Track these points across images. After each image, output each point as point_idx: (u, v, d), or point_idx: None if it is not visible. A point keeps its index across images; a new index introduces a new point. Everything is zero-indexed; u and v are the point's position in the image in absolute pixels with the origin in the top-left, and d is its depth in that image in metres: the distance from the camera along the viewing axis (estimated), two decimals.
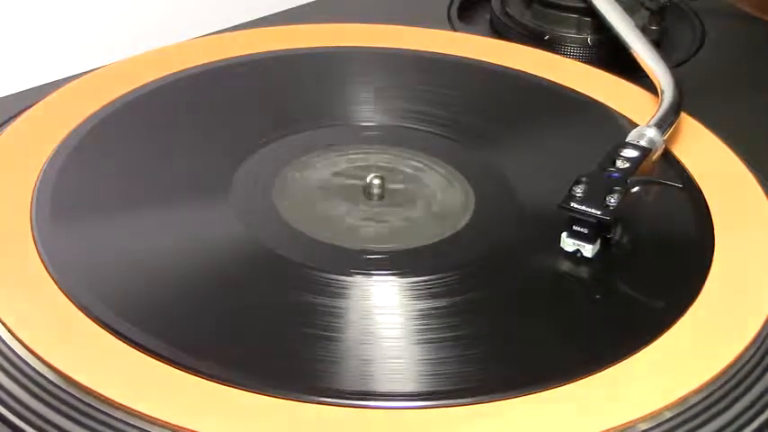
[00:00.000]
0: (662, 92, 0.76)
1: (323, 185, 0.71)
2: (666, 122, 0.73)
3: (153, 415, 0.54)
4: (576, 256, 0.65)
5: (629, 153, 0.69)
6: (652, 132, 0.71)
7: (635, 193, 0.67)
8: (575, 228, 0.65)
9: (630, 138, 0.70)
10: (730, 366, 0.59)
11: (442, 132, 0.76)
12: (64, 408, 0.55)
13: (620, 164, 0.68)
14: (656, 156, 0.71)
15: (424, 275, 0.64)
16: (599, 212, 0.64)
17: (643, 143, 0.70)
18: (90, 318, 0.59)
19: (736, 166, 0.73)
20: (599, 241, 0.65)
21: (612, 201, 0.64)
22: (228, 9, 0.96)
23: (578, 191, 0.65)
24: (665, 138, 0.72)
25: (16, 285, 0.61)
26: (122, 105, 0.75)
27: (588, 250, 0.65)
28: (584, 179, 0.66)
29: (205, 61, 0.80)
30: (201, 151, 0.73)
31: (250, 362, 0.58)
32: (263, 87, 0.79)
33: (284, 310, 0.61)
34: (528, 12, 0.90)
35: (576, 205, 0.64)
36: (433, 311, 0.61)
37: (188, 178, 0.70)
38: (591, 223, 0.64)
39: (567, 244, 0.65)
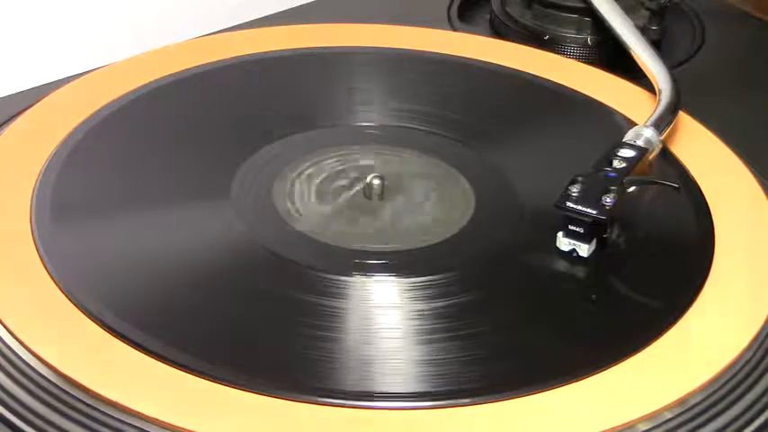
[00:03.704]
0: (659, 91, 0.76)
1: (323, 185, 0.71)
2: (664, 122, 0.73)
3: (153, 415, 0.54)
4: (579, 257, 0.65)
5: (626, 153, 0.69)
6: (649, 132, 0.71)
7: (633, 192, 0.67)
8: (570, 227, 0.65)
9: (627, 138, 0.70)
10: (730, 366, 0.59)
11: (441, 132, 0.76)
12: (64, 408, 0.55)
13: (616, 164, 0.68)
14: (653, 155, 0.71)
15: (424, 275, 0.64)
16: (595, 212, 0.64)
17: (640, 143, 0.70)
18: (90, 318, 0.59)
19: (735, 166, 0.73)
20: (595, 241, 0.65)
21: (608, 200, 0.64)
22: (229, 9, 0.96)
23: (574, 190, 0.65)
24: (662, 137, 0.72)
25: (16, 285, 0.61)
26: (122, 105, 0.75)
27: (584, 250, 0.65)
28: (580, 179, 0.66)
29: (205, 61, 0.80)
30: (201, 151, 0.73)
31: (250, 362, 0.58)
32: (264, 87, 0.79)
33: (284, 310, 0.61)
34: (528, 12, 0.90)
35: (571, 205, 0.64)
36: (433, 311, 0.61)
37: (188, 178, 0.70)
38: (587, 223, 0.64)
39: (563, 243, 0.65)
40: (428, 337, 0.60)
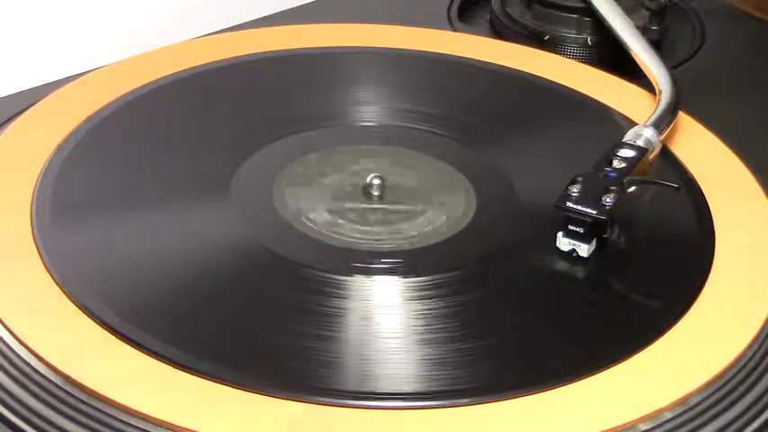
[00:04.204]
0: (659, 92, 0.76)
1: (323, 185, 0.71)
2: (664, 122, 0.73)
3: (153, 415, 0.54)
4: (579, 257, 0.65)
5: (626, 153, 0.69)
6: (649, 132, 0.71)
7: (634, 193, 0.67)
8: (570, 227, 0.65)
9: (627, 138, 0.70)
10: (730, 366, 0.59)
11: (442, 132, 0.76)
12: (64, 408, 0.55)
13: (616, 164, 0.68)
14: (652, 155, 0.71)
15: (425, 275, 0.64)
16: (594, 212, 0.64)
17: (640, 143, 0.70)
18: (90, 317, 0.59)
19: (735, 166, 0.73)
20: (594, 241, 0.65)
21: (608, 200, 0.64)
22: (229, 9, 0.96)
23: (574, 190, 0.65)
24: (661, 138, 0.72)
25: (16, 285, 0.61)
26: (122, 105, 0.75)
27: (584, 250, 0.65)
28: (580, 179, 0.66)
29: (205, 61, 0.80)
30: (201, 151, 0.73)
31: (250, 362, 0.58)
32: (264, 87, 0.79)
33: (284, 310, 0.61)
34: (528, 12, 0.90)
35: (571, 205, 0.64)
36: (433, 311, 0.61)
37: (188, 178, 0.70)
38: (586, 223, 0.64)
39: (563, 243, 0.65)
40: (428, 337, 0.60)
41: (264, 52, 0.82)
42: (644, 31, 0.85)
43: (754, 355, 0.60)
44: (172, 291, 0.62)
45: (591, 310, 0.63)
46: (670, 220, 0.69)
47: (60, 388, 0.56)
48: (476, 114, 0.78)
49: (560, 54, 0.86)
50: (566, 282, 0.65)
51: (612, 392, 0.57)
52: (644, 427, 0.56)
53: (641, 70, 0.80)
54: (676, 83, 0.77)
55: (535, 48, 0.85)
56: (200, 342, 0.59)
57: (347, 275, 0.63)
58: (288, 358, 0.58)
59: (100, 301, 0.60)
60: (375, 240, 0.67)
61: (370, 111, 0.78)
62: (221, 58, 0.81)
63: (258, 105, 0.77)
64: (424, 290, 0.63)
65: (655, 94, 0.77)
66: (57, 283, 0.61)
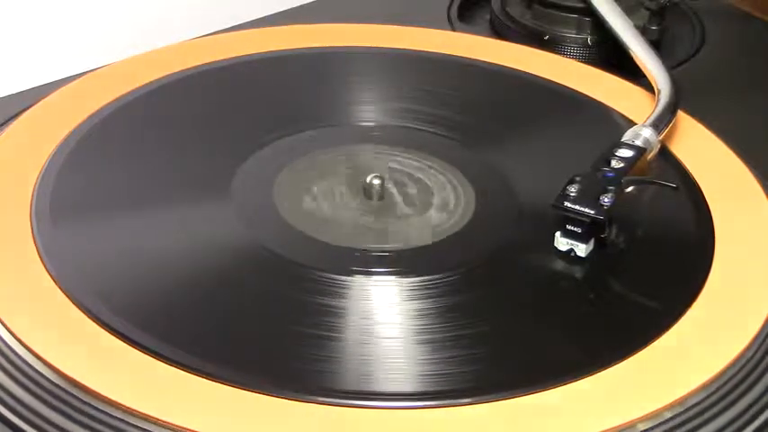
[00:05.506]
0: (658, 92, 0.76)
1: (323, 185, 0.71)
2: (663, 122, 0.73)
3: (153, 415, 0.54)
4: (577, 257, 0.65)
5: (625, 153, 0.69)
6: (647, 132, 0.71)
7: (632, 192, 0.67)
8: (568, 227, 0.65)
9: (626, 137, 0.70)
10: (730, 366, 0.59)
11: (442, 132, 0.76)
12: (64, 408, 0.55)
13: (614, 163, 0.68)
14: (651, 155, 0.71)
15: (424, 275, 0.64)
16: (593, 212, 0.64)
17: (638, 143, 0.70)
18: (90, 318, 0.59)
19: (735, 166, 0.73)
20: (592, 241, 0.65)
21: (606, 200, 0.64)
22: (229, 9, 0.96)
23: (572, 190, 0.65)
24: (660, 137, 0.72)
25: (16, 285, 0.61)
26: (122, 105, 0.75)
27: (582, 250, 0.65)
28: (578, 178, 0.66)
29: (205, 61, 0.80)
30: (201, 151, 0.73)
31: (250, 362, 0.58)
32: (264, 87, 0.79)
33: (284, 310, 0.61)
34: (528, 12, 0.90)
35: (569, 204, 0.64)
36: (433, 311, 0.61)
37: (188, 178, 0.70)
38: (584, 223, 0.64)
39: (561, 243, 0.65)
40: (428, 336, 0.60)
41: (264, 52, 0.82)
42: (644, 31, 0.85)
43: (753, 355, 0.60)
44: (172, 291, 0.62)
45: (590, 310, 0.63)
46: (669, 220, 0.69)
47: (60, 388, 0.56)
48: (476, 114, 0.78)
49: (560, 54, 0.86)
50: (566, 282, 0.65)
51: (612, 392, 0.57)
52: (643, 427, 0.56)
53: (641, 70, 0.80)
54: (675, 82, 0.77)
55: (535, 48, 0.85)
56: (200, 342, 0.59)
57: (347, 275, 0.63)
58: (288, 358, 0.58)
59: (100, 302, 0.60)
60: (375, 240, 0.67)
61: (370, 111, 0.78)
62: (221, 58, 0.81)
63: (258, 105, 0.77)
64: (424, 290, 0.63)
65: (654, 94, 0.77)
66: (57, 283, 0.61)
